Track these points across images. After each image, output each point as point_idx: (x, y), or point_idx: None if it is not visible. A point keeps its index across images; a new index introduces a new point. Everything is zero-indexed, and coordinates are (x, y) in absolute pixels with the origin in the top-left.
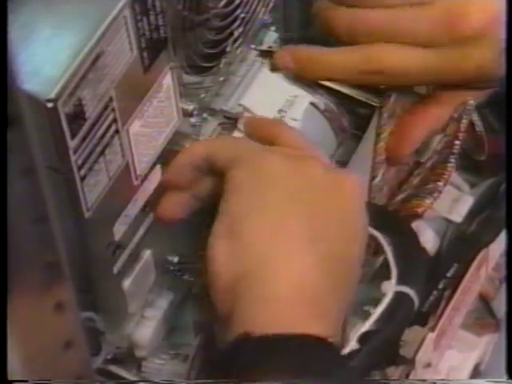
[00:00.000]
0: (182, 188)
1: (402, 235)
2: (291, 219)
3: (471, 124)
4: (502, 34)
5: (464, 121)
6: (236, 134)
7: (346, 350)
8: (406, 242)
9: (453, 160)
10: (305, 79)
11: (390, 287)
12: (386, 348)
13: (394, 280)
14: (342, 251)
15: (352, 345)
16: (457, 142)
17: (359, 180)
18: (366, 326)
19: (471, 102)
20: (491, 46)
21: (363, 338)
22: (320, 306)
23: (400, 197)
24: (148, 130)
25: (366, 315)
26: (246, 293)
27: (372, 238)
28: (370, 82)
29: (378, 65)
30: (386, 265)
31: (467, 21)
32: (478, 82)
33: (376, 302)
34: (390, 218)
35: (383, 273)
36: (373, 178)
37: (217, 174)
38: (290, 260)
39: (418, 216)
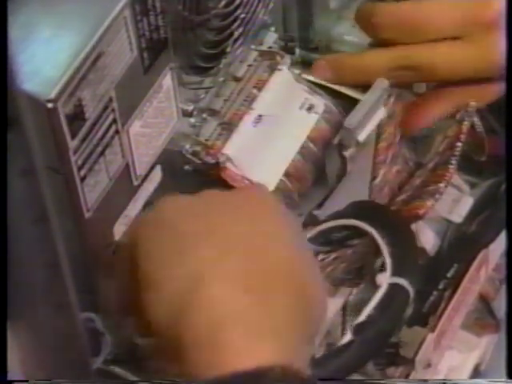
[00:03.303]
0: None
1: (395, 228)
2: (191, 247)
3: (471, 125)
4: None
5: (466, 123)
6: (234, 135)
7: (341, 342)
8: (400, 236)
9: (454, 162)
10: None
11: (385, 279)
12: (380, 339)
13: (388, 272)
14: (257, 263)
15: (347, 336)
16: (458, 144)
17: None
18: (361, 317)
19: (473, 104)
20: None
21: (358, 329)
22: (265, 330)
23: (401, 198)
24: (148, 131)
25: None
26: (184, 333)
27: (366, 233)
28: (402, 79)
29: (407, 62)
30: (380, 260)
31: (490, 5)
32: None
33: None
34: (382, 212)
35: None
36: (373, 178)
37: None
38: (207, 288)
39: (420, 217)
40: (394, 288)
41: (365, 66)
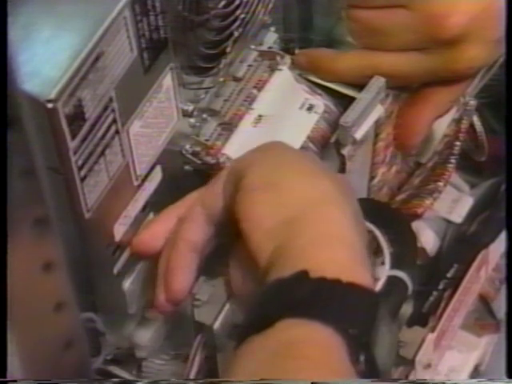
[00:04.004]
0: None
1: (394, 223)
2: (319, 176)
3: (471, 125)
4: (490, 29)
5: (464, 122)
6: (234, 135)
7: None
8: (399, 229)
9: (453, 161)
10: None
11: (384, 272)
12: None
13: (387, 265)
14: (359, 213)
15: None
16: (457, 143)
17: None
18: None
19: (472, 102)
20: (479, 43)
21: None
22: (361, 257)
23: (400, 197)
24: (148, 131)
25: None
26: (298, 235)
27: (370, 234)
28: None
29: (375, 71)
30: (379, 253)
31: (447, 24)
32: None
33: None
34: (382, 209)
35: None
36: (372, 178)
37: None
38: (331, 208)
39: (418, 216)
40: (392, 280)
41: (336, 68)
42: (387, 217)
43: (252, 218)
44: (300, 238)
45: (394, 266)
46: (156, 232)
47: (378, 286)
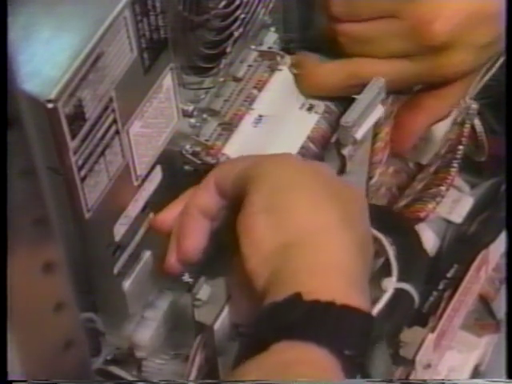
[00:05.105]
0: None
1: (404, 234)
2: (324, 202)
3: (472, 126)
4: (477, 34)
5: (467, 125)
6: (234, 135)
7: None
8: (407, 241)
9: (456, 165)
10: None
11: (391, 284)
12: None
13: (394, 277)
14: (365, 237)
15: None
16: (460, 147)
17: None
18: None
19: (474, 106)
20: (465, 49)
21: None
22: (358, 283)
23: (403, 202)
24: (148, 131)
25: None
26: (295, 261)
27: (373, 238)
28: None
29: (359, 81)
30: (386, 264)
31: (432, 30)
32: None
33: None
34: (392, 218)
35: (384, 272)
36: (370, 178)
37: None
38: (330, 236)
39: (421, 220)
40: (399, 293)
41: (318, 81)
42: (392, 222)
43: (252, 241)
44: (296, 263)
45: (401, 278)
46: (176, 213)
47: (385, 300)
